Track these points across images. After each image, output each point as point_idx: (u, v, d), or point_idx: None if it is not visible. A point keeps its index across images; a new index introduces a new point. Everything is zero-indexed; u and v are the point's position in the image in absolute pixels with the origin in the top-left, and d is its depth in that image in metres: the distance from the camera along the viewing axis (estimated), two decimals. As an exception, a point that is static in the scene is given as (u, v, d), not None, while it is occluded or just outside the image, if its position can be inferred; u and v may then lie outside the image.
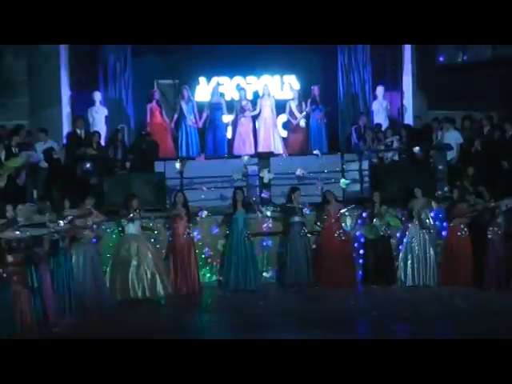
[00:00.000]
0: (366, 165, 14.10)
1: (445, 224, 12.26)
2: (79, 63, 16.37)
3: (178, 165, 13.49)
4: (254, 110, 15.99)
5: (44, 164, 13.43)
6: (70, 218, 9.81)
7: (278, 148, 15.86)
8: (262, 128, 15.96)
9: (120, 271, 11.07)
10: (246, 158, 14.00)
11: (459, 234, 11.83)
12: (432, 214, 12.21)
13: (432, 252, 11.88)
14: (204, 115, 15.98)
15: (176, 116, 15.94)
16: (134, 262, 11.01)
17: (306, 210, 12.16)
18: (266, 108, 15.97)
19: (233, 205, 11.95)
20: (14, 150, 13.02)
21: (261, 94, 16.26)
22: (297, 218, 11.98)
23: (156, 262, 11.21)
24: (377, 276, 11.97)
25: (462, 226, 11.82)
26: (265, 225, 12.55)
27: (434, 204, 12.26)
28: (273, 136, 15.85)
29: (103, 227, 11.61)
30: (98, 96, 15.94)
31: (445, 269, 11.88)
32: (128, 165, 14.33)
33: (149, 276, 11.01)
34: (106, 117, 15.94)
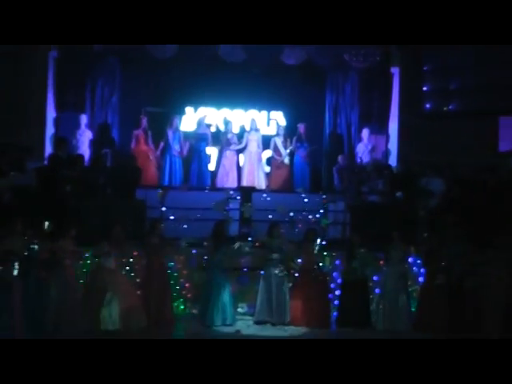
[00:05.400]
0: (347, 206, 14.12)
1: (422, 270, 12.24)
2: (66, 85, 16.32)
3: (159, 194, 13.41)
4: (240, 143, 16.06)
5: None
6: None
7: (261, 183, 15.90)
8: (246, 162, 16.03)
9: (92, 302, 10.88)
10: (228, 191, 13.96)
11: (436, 280, 11.76)
12: (410, 260, 12.22)
13: (405, 297, 11.80)
14: (187, 144, 15.97)
15: (162, 144, 15.93)
16: (107, 294, 10.86)
17: (285, 248, 12.09)
18: (253, 143, 16.06)
19: (212, 237, 11.84)
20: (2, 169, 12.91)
21: (248, 128, 16.32)
22: (275, 255, 11.90)
23: (129, 294, 11.10)
24: (351, 318, 11.88)
25: (438, 274, 11.75)
26: (243, 260, 12.50)
27: (412, 249, 12.26)
28: (257, 171, 15.94)
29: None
30: (83, 119, 15.93)
31: (419, 315, 11.82)
32: (109, 190, 14.25)
33: (120, 308, 10.86)
34: (91, 140, 15.90)
